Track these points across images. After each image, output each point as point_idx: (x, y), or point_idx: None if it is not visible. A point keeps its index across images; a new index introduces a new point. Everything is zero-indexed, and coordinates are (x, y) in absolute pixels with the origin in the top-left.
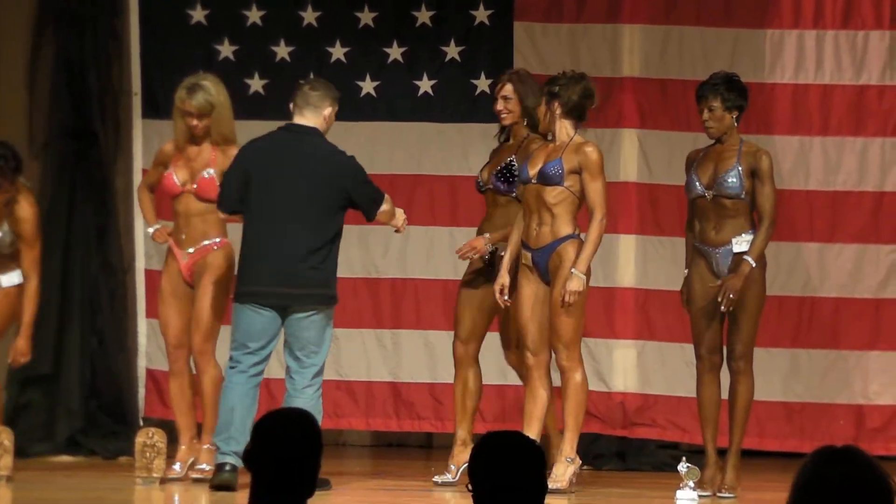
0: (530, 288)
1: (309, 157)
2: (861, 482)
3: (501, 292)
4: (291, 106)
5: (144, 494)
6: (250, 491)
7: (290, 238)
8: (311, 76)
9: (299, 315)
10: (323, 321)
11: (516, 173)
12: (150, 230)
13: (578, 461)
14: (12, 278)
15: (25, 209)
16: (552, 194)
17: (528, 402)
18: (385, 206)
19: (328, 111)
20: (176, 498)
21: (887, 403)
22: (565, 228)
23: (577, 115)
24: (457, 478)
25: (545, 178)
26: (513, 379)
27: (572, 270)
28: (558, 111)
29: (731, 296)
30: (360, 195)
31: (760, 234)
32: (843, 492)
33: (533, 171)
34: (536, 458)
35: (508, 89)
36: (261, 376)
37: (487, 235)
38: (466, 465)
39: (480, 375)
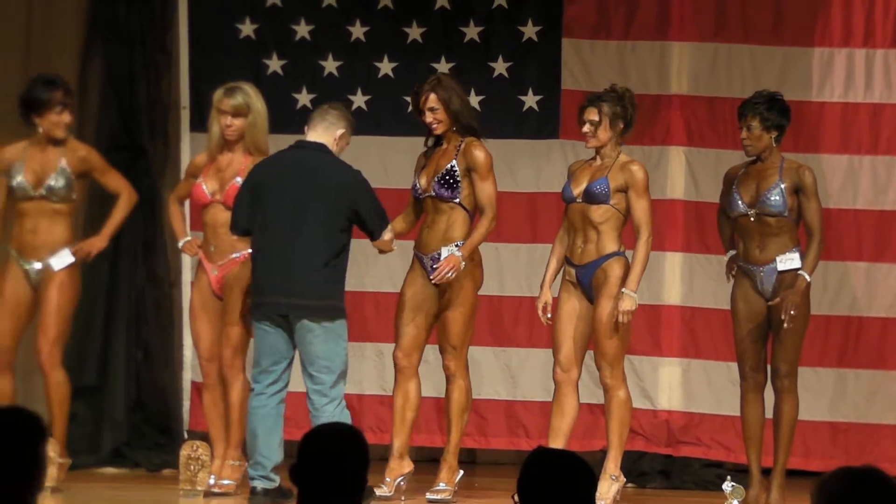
0: (571, 304)
1: (314, 171)
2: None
3: (544, 310)
4: (307, 125)
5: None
6: None
7: (295, 250)
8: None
9: (305, 328)
10: (329, 335)
11: (458, 178)
12: (180, 243)
13: (623, 479)
14: (63, 259)
15: (82, 147)
16: (598, 213)
17: (555, 417)
18: (388, 235)
19: (340, 132)
20: None
21: None
22: (610, 245)
23: (627, 131)
24: (392, 492)
25: (591, 197)
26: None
27: (623, 290)
28: (612, 133)
29: (792, 312)
30: (367, 210)
31: (812, 249)
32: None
33: (577, 190)
34: (588, 477)
35: (433, 100)
36: (281, 394)
37: (458, 249)
38: (402, 479)
39: (420, 387)
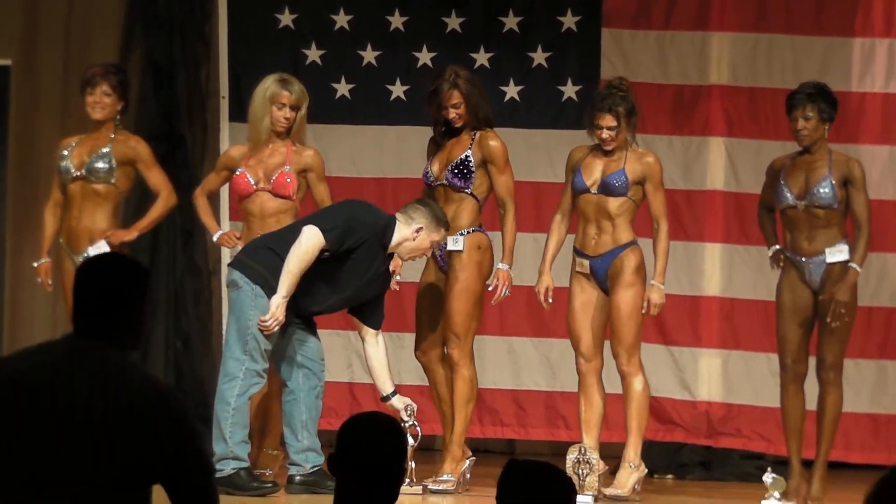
0: (586, 295)
1: None
2: None
3: (546, 295)
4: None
5: (223, 499)
6: (335, 495)
7: None
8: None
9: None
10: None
11: (473, 169)
12: (216, 236)
13: (643, 468)
14: (100, 248)
15: (132, 137)
16: (615, 204)
17: (585, 409)
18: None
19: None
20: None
21: None
22: (626, 236)
23: (635, 123)
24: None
25: (609, 189)
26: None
27: (653, 282)
28: (626, 122)
29: (842, 311)
30: None
31: (861, 241)
32: None
33: (590, 181)
34: (566, 488)
35: (456, 96)
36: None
37: (501, 263)
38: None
39: (476, 379)
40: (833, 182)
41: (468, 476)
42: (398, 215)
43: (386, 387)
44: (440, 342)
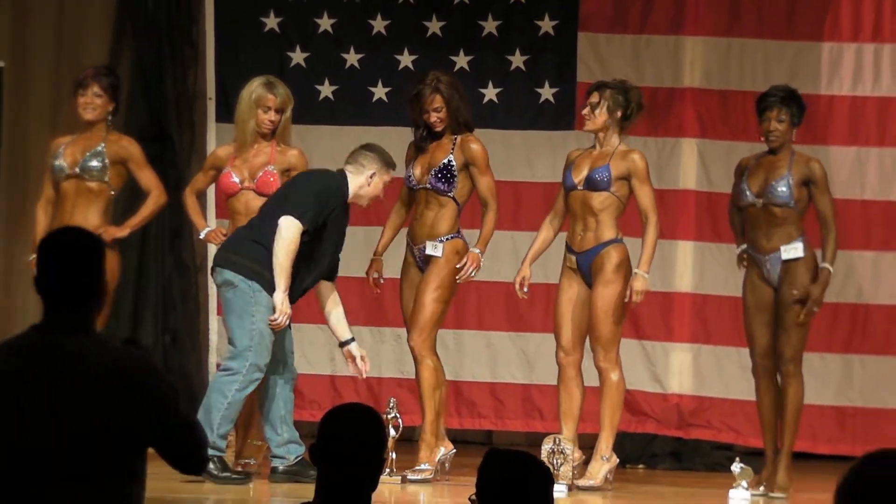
0: (573, 290)
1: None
2: None
3: (521, 284)
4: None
5: (214, 485)
6: (317, 484)
7: None
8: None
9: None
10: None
11: (455, 173)
12: (202, 234)
13: (615, 459)
14: None
15: (125, 138)
16: (598, 199)
17: (564, 401)
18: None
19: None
20: (251, 488)
21: None
22: (608, 233)
23: (625, 123)
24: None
25: (592, 184)
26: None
27: (636, 271)
28: (610, 118)
29: (815, 308)
30: None
31: (830, 240)
32: (886, 492)
33: (578, 178)
34: (544, 477)
35: (438, 100)
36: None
37: (478, 250)
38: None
39: (441, 367)
40: (791, 182)
41: (447, 466)
42: (347, 167)
43: (345, 334)
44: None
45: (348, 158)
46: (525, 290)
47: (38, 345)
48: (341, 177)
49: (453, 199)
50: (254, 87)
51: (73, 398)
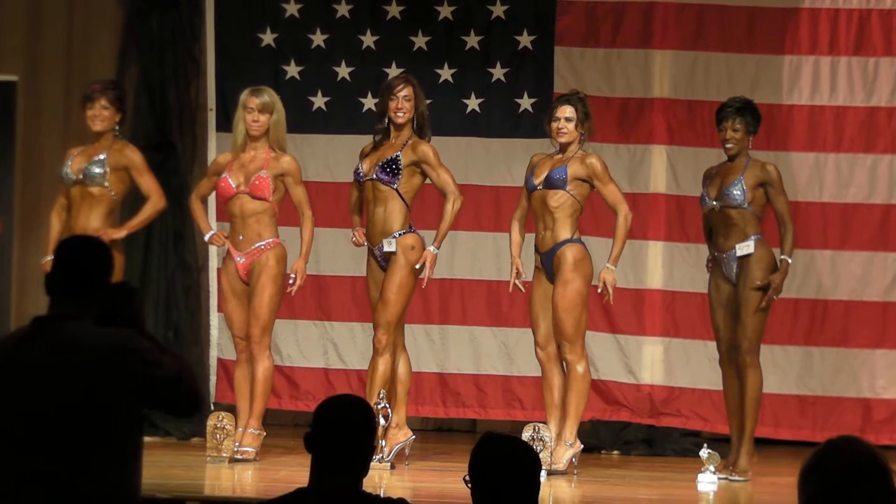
0: (541, 288)
1: None
2: (860, 467)
3: (517, 275)
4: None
5: (214, 472)
6: (311, 470)
7: None
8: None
9: None
10: None
11: (400, 167)
12: (207, 236)
13: (578, 445)
14: None
15: (127, 146)
16: (554, 198)
17: (545, 393)
18: None
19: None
20: (248, 475)
21: (892, 398)
22: (564, 233)
23: (587, 131)
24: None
25: (550, 183)
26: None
27: (607, 265)
28: (580, 128)
29: (774, 296)
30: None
31: (788, 236)
32: (845, 475)
33: (538, 180)
34: (533, 461)
35: (409, 91)
36: None
37: (434, 249)
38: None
39: (399, 363)
40: (744, 185)
41: (407, 452)
42: None
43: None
44: (402, 326)
45: None
46: (520, 279)
47: (37, 330)
48: None
49: (398, 192)
50: (243, 94)
51: (68, 374)
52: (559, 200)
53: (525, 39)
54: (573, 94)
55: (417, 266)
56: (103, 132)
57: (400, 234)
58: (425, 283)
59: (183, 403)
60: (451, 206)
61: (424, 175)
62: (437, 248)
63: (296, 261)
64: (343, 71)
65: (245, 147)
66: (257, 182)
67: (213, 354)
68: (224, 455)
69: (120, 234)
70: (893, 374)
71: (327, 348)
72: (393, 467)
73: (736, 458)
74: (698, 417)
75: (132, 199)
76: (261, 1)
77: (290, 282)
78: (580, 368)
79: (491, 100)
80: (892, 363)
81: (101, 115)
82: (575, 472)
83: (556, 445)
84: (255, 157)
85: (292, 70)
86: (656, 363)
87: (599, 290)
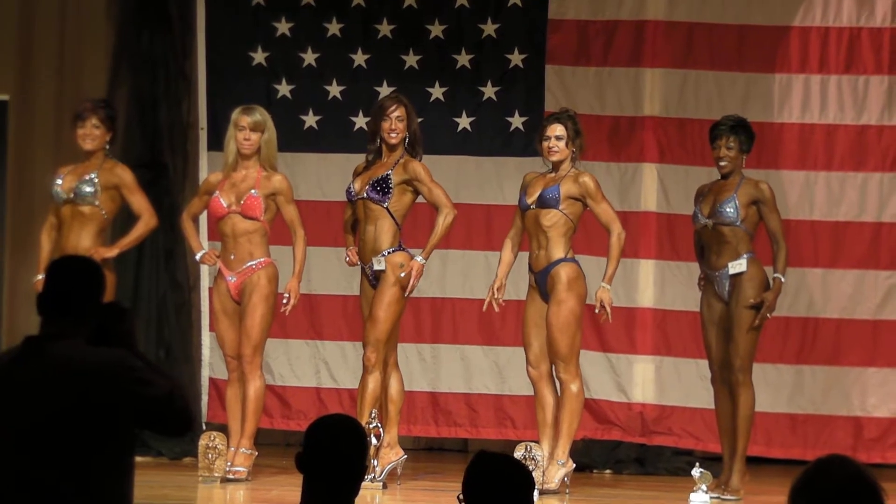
0: (535, 307)
1: None
2: (850, 486)
3: (499, 290)
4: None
5: (206, 492)
6: (302, 490)
7: None
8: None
9: None
10: None
11: (391, 186)
12: (198, 255)
13: (571, 464)
14: None
15: (118, 165)
16: (547, 217)
17: (538, 412)
18: None
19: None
20: (240, 495)
21: (884, 416)
22: (557, 253)
23: (578, 149)
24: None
25: (543, 202)
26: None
27: (602, 284)
28: (573, 147)
29: (768, 315)
30: None
31: (781, 254)
32: (834, 494)
33: (531, 199)
34: (526, 480)
35: (402, 111)
36: None
37: (421, 259)
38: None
39: (390, 380)
40: (737, 203)
41: (399, 471)
42: None
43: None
44: (395, 344)
45: None
46: (497, 297)
47: (29, 350)
48: None
49: (388, 211)
50: (234, 113)
51: (59, 394)
52: (552, 219)
53: (516, 58)
54: (563, 112)
55: (402, 275)
56: (94, 151)
57: (389, 253)
58: (408, 292)
59: (174, 423)
60: (444, 219)
61: (416, 193)
62: (425, 259)
63: (289, 280)
64: (334, 90)
65: (236, 166)
66: (248, 201)
67: (205, 374)
68: (216, 475)
69: (111, 252)
70: (884, 393)
71: (319, 367)
72: (385, 487)
73: (728, 477)
74: (690, 436)
75: (123, 218)
76: (252, 20)
77: (284, 301)
78: (574, 388)
79: (482, 118)
80: (883, 381)
81: (91, 133)
82: (567, 491)
83: (549, 465)
84: (247, 176)
85: (283, 89)
86: (648, 382)
87: (597, 311)
